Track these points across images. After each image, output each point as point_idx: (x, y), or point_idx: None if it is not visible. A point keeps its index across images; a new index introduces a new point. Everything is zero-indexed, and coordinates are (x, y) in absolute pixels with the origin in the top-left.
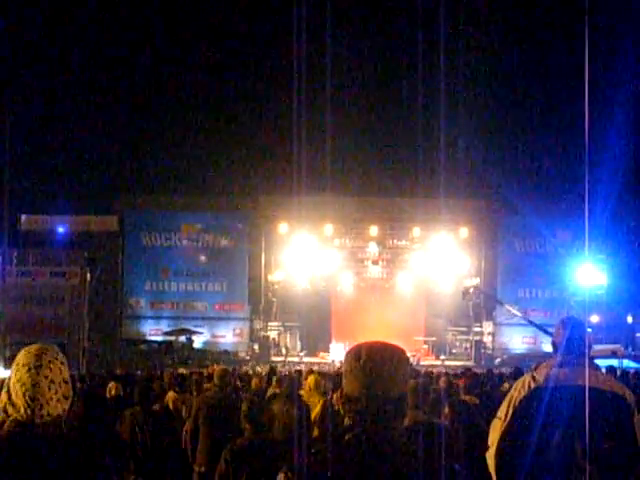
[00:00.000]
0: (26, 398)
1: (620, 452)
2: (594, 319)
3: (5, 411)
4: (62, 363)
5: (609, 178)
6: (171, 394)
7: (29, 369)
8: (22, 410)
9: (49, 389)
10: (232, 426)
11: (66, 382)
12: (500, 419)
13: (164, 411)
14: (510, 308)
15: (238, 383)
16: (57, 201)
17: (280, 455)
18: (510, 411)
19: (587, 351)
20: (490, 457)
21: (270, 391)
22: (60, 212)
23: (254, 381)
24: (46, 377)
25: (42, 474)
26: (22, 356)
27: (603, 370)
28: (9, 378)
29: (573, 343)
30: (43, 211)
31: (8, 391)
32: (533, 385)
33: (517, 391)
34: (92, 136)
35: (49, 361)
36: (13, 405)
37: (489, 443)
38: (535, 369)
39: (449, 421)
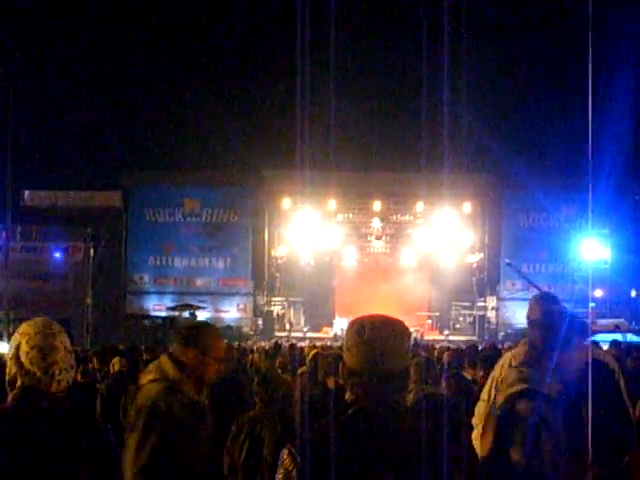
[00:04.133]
0: (46, 363)
1: (610, 418)
2: (598, 294)
3: (13, 381)
4: (66, 333)
5: (614, 152)
6: None
7: (45, 336)
8: (40, 374)
9: (64, 355)
10: (237, 401)
11: (71, 352)
12: (484, 401)
13: None
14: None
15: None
16: (60, 177)
17: (286, 431)
18: (493, 392)
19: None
20: (475, 439)
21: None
22: (63, 188)
23: (255, 356)
24: (62, 343)
25: (44, 445)
26: (30, 326)
27: (606, 346)
28: (15, 349)
29: (549, 319)
30: (46, 187)
31: (18, 360)
32: (514, 363)
33: (498, 371)
34: (95, 111)
35: (59, 330)
36: (27, 373)
37: (473, 424)
38: (515, 347)
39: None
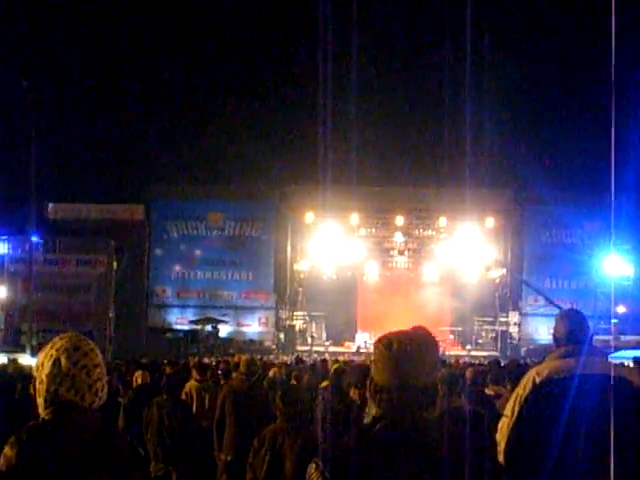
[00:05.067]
0: (90, 380)
1: (632, 436)
2: (620, 310)
3: (52, 399)
4: (97, 348)
5: (636, 168)
6: (192, 383)
7: (85, 353)
8: (87, 395)
9: (104, 373)
10: (259, 414)
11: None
12: (507, 417)
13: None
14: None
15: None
16: (85, 190)
17: (312, 445)
18: (517, 408)
19: (590, 341)
20: (499, 454)
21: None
22: (87, 200)
23: (273, 370)
24: (100, 358)
25: (88, 458)
26: (65, 342)
27: (630, 362)
28: (53, 365)
29: (574, 334)
30: (70, 199)
31: (58, 378)
32: (538, 380)
33: (522, 388)
34: (120, 125)
35: (94, 345)
36: (75, 390)
37: (497, 440)
38: (538, 364)
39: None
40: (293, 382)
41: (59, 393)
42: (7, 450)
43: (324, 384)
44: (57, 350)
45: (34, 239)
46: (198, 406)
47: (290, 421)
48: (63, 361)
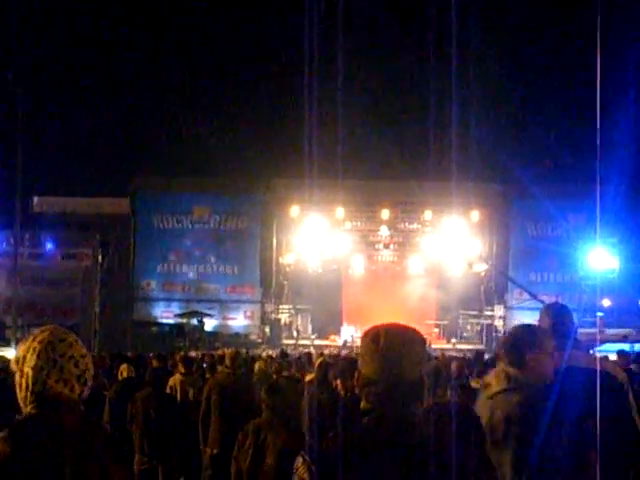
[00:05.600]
0: (78, 370)
1: (617, 431)
2: (606, 303)
3: (38, 391)
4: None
5: (622, 161)
6: (177, 376)
7: (70, 344)
8: (74, 382)
9: (91, 362)
10: (244, 408)
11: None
12: None
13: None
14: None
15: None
16: (70, 183)
17: (298, 438)
18: None
19: (573, 334)
20: None
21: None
22: (72, 194)
23: (258, 364)
24: (85, 349)
25: (73, 450)
26: (47, 334)
27: (613, 355)
28: (38, 358)
29: (558, 328)
30: (55, 193)
31: (44, 370)
32: None
33: None
34: (104, 118)
35: (75, 336)
36: (64, 381)
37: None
38: None
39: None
40: (278, 376)
41: (48, 385)
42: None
43: (309, 377)
44: (40, 342)
45: (19, 233)
46: (182, 400)
47: (275, 415)
48: (50, 353)
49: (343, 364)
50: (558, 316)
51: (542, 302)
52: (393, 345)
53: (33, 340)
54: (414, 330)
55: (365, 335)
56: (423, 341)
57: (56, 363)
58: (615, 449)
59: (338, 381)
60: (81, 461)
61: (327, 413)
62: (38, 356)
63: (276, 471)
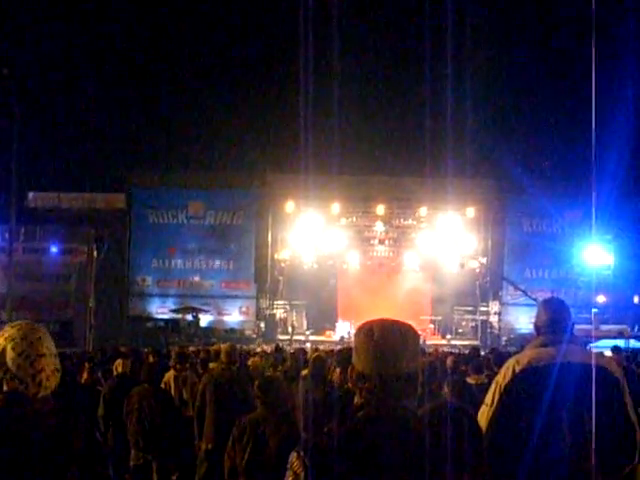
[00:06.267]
0: (33, 369)
1: (612, 426)
2: (601, 299)
3: (1, 389)
4: (49, 337)
5: (617, 158)
6: (171, 372)
7: (31, 342)
8: (28, 381)
9: (51, 361)
10: (239, 403)
11: (56, 356)
12: (487, 405)
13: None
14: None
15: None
16: (65, 178)
17: (292, 433)
18: (497, 397)
19: (570, 330)
20: None
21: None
22: (67, 189)
23: (253, 359)
24: (47, 348)
25: (33, 448)
26: (15, 331)
27: (608, 351)
28: (1, 354)
29: (555, 323)
30: (50, 188)
31: (3, 366)
32: (518, 368)
33: (502, 376)
34: (99, 113)
35: (43, 334)
36: (14, 378)
37: None
38: (519, 352)
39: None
40: (272, 371)
41: (3, 382)
42: None
43: (304, 372)
44: (5, 339)
45: (14, 228)
46: (176, 395)
47: (269, 410)
48: (8, 351)
49: (343, 353)
50: (555, 311)
51: (532, 298)
52: (387, 340)
53: (1, 336)
54: (408, 325)
55: (359, 330)
56: (417, 336)
57: (14, 361)
58: (611, 444)
59: (337, 370)
60: (39, 454)
61: (321, 408)
62: (1, 353)
63: (276, 466)
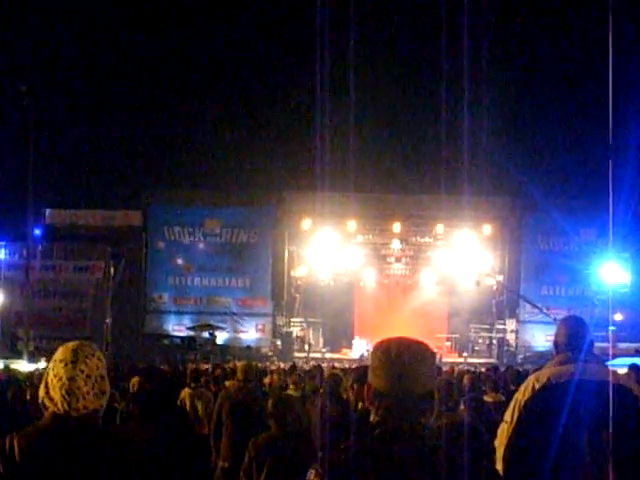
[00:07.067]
0: (62, 392)
1: (631, 444)
2: (618, 317)
3: (44, 405)
4: (99, 359)
5: (633, 175)
6: (186, 390)
7: (66, 364)
8: (59, 404)
9: (85, 384)
10: (256, 421)
11: (102, 378)
12: (507, 422)
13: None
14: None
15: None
16: (82, 196)
17: (308, 451)
18: (516, 414)
19: (589, 347)
20: (498, 460)
21: (291, 388)
22: (84, 206)
23: (268, 378)
24: (82, 371)
25: (77, 467)
26: (60, 352)
27: (625, 369)
28: (47, 374)
29: (574, 340)
30: (67, 205)
31: (46, 385)
32: (537, 386)
33: (522, 393)
34: (116, 131)
35: (85, 356)
36: (51, 399)
37: (496, 446)
38: (537, 370)
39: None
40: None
41: (43, 402)
42: (6, 447)
43: (320, 391)
44: (53, 360)
45: (31, 245)
46: (191, 413)
47: (283, 428)
48: (50, 371)
49: (359, 371)
50: (574, 328)
51: (549, 316)
52: (403, 358)
53: (57, 353)
54: (424, 344)
55: (376, 348)
56: (433, 355)
57: (51, 382)
58: (629, 463)
59: (355, 386)
60: (74, 474)
61: (337, 426)
62: (48, 373)
63: None
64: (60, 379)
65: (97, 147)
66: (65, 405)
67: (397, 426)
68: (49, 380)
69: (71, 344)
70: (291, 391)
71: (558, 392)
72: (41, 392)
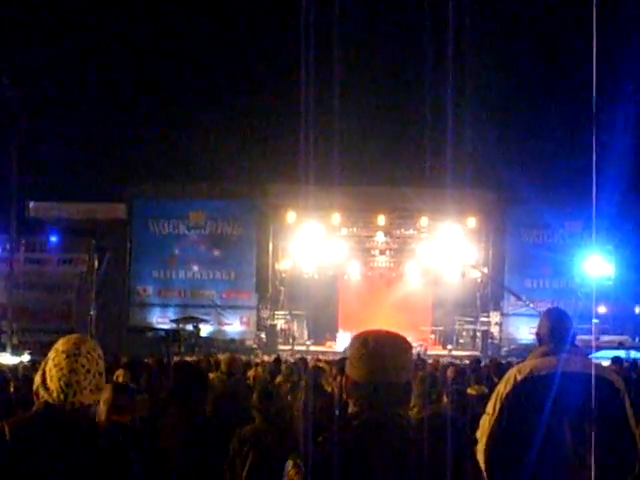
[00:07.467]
0: (61, 383)
1: (612, 436)
2: (601, 310)
3: (37, 393)
4: (99, 356)
5: (617, 168)
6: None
7: (68, 356)
8: (55, 394)
9: (85, 378)
10: (239, 414)
11: (101, 374)
12: (488, 414)
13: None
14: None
15: (251, 373)
16: (65, 188)
17: (290, 443)
18: (498, 405)
19: (572, 340)
20: (479, 452)
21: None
22: (68, 199)
23: (253, 371)
24: (83, 366)
25: (64, 459)
26: (61, 343)
27: (608, 362)
28: (45, 363)
29: (557, 332)
30: (51, 198)
31: (43, 375)
32: (519, 377)
33: (503, 385)
34: (100, 123)
35: (87, 351)
36: (47, 389)
37: (477, 438)
38: (520, 363)
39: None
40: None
41: (39, 390)
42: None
43: (303, 382)
44: (53, 349)
45: (15, 238)
46: None
47: (268, 421)
48: (49, 361)
49: (342, 363)
50: (557, 321)
51: (533, 308)
52: (381, 350)
53: (58, 344)
54: (402, 336)
55: (354, 340)
56: (410, 347)
57: (49, 372)
58: (611, 454)
59: (338, 377)
60: (66, 464)
61: (318, 417)
62: (46, 362)
63: (274, 477)
64: (61, 369)
65: (81, 140)
66: (61, 396)
67: (374, 417)
68: (47, 369)
69: (74, 336)
70: (282, 383)
71: (540, 384)
72: (37, 380)
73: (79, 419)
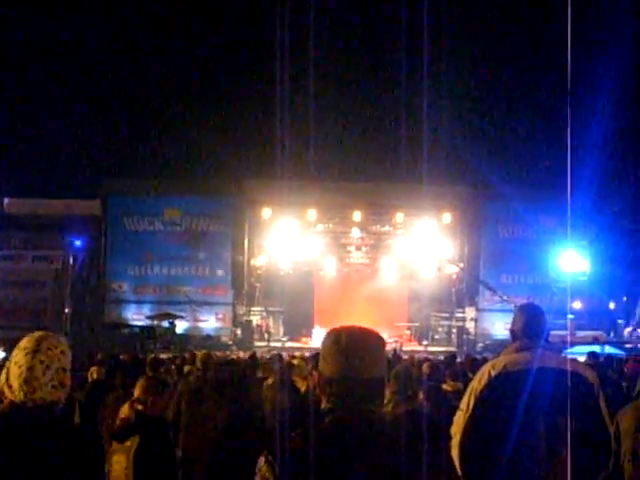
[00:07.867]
0: (20, 380)
1: (586, 432)
2: (576, 305)
3: (2, 392)
4: (62, 352)
5: (592, 164)
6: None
7: (27, 353)
8: (16, 392)
9: (44, 374)
10: (214, 410)
11: (64, 370)
12: (462, 410)
13: None
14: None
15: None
16: (40, 185)
17: (262, 439)
18: (472, 402)
19: (545, 335)
20: (454, 447)
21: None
22: (43, 196)
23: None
24: (42, 362)
25: (30, 457)
26: (24, 341)
27: (583, 357)
28: (9, 361)
29: (532, 328)
30: (26, 194)
31: (7, 373)
32: (493, 373)
33: (477, 381)
34: (75, 120)
35: (48, 347)
36: (10, 387)
37: (452, 434)
38: (495, 358)
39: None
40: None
41: (1, 389)
42: None
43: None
44: (17, 347)
45: None
46: None
47: (239, 416)
48: (13, 359)
49: (317, 359)
50: (531, 316)
51: (508, 303)
52: (354, 345)
53: (21, 342)
54: (375, 332)
55: (327, 336)
56: (383, 343)
57: (11, 370)
58: (585, 450)
59: (314, 373)
60: (32, 462)
61: (289, 413)
62: (10, 360)
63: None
64: (20, 367)
65: (56, 136)
66: (22, 394)
67: (348, 411)
68: (10, 367)
69: (37, 334)
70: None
71: (514, 380)
72: (2, 379)
73: (41, 416)
